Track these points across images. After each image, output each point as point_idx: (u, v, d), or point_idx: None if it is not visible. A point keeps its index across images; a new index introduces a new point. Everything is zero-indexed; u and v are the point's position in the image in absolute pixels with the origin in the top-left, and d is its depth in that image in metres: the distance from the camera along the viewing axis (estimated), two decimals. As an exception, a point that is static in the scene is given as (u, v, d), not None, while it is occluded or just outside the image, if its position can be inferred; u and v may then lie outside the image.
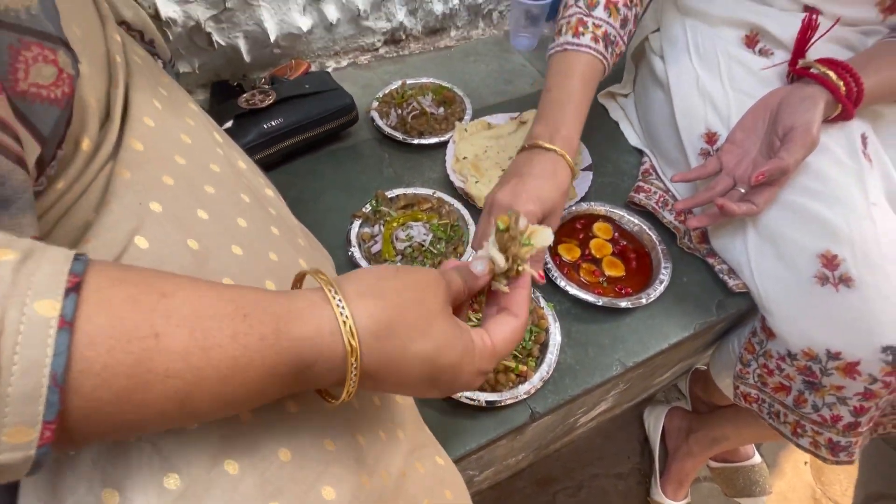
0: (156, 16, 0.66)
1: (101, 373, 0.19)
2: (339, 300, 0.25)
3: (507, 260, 0.34)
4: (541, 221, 0.47)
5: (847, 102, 0.53)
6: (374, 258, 0.61)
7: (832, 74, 0.53)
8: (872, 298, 0.52)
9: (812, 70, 0.55)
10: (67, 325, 0.18)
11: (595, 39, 0.54)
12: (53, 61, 0.26)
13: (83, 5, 0.35)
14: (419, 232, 0.61)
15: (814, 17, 0.56)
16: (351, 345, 0.25)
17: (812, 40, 0.57)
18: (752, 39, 0.63)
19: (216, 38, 0.73)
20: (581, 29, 0.54)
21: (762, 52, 0.63)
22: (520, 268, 0.34)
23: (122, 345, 0.19)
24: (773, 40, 0.62)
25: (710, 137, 0.64)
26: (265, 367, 0.23)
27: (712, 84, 0.64)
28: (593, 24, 0.54)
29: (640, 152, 0.78)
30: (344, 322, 0.24)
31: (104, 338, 0.19)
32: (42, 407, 0.17)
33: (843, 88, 0.53)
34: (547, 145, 0.49)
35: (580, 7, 0.55)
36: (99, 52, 0.34)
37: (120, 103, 0.34)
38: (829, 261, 0.54)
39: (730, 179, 0.59)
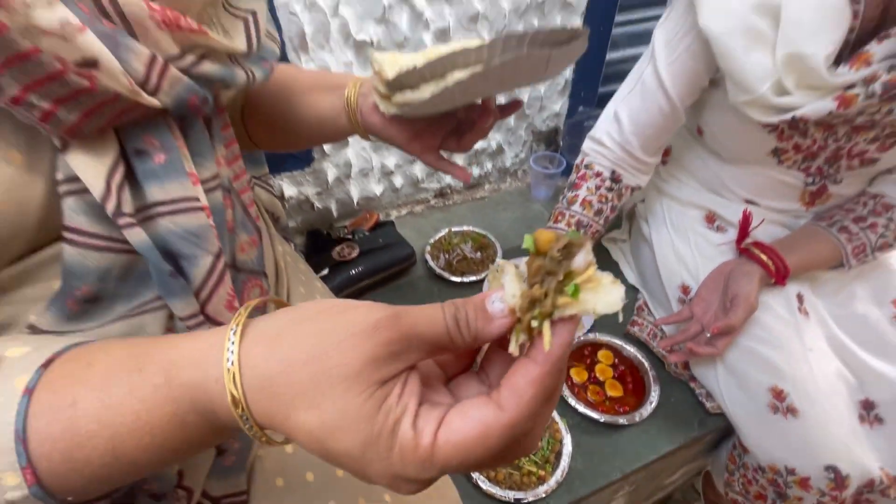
0: (280, 196, 0.94)
1: (47, 439, 0.22)
2: (232, 343, 0.23)
3: (525, 302, 0.22)
4: None
5: (776, 276, 0.73)
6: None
7: (763, 256, 0.74)
8: (813, 426, 0.68)
9: (751, 251, 0.75)
10: (27, 392, 0.22)
11: (569, 224, 0.79)
12: (259, 285, 0.45)
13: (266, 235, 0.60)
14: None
15: (749, 212, 0.77)
16: (232, 394, 0.22)
17: (752, 227, 0.78)
18: (711, 219, 0.85)
19: (317, 204, 1.01)
20: (560, 218, 0.81)
21: (719, 229, 0.84)
22: (536, 324, 0.21)
23: (53, 414, 0.22)
24: (725, 221, 0.83)
25: (685, 289, 0.84)
26: (167, 416, 0.23)
27: (684, 249, 0.85)
28: (569, 215, 0.80)
29: (636, 289, 0.98)
30: (228, 369, 0.22)
31: (44, 409, 0.22)
32: (14, 457, 0.21)
33: (773, 267, 0.73)
34: None
35: (562, 203, 0.82)
36: (272, 263, 0.58)
37: (285, 295, 0.57)
38: (778, 394, 0.71)
39: (699, 325, 0.78)
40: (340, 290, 0.91)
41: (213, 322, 0.35)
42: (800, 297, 0.76)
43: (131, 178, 0.33)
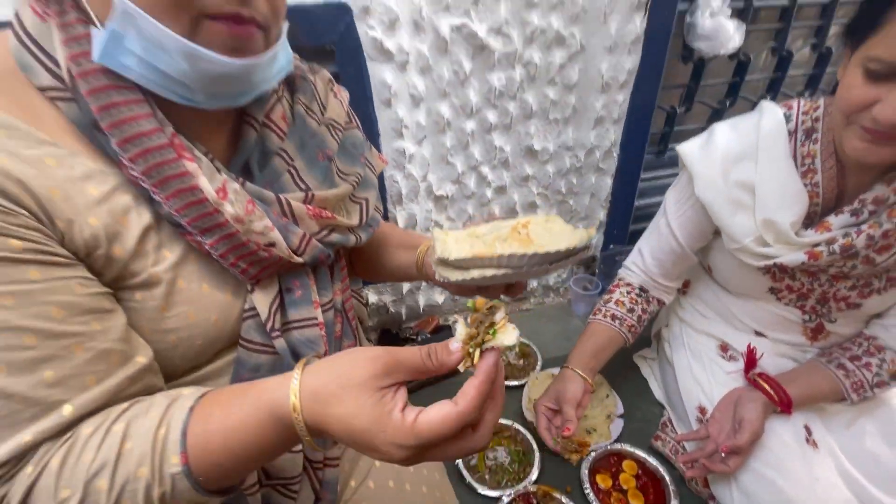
0: (365, 303, 1.20)
1: (194, 435, 0.38)
2: (297, 374, 0.37)
3: (468, 338, 0.37)
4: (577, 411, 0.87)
5: (780, 405, 0.84)
6: (470, 468, 0.94)
7: (766, 386, 0.85)
8: (825, 556, 0.74)
9: (756, 381, 0.87)
10: (190, 409, 0.39)
11: (604, 316, 0.97)
12: None
13: None
14: (501, 454, 0.96)
15: (753, 347, 0.91)
16: (293, 402, 0.36)
17: (758, 358, 0.91)
18: (724, 348, 0.98)
19: (391, 309, 1.25)
20: (597, 312, 1.00)
21: (731, 358, 0.97)
22: (473, 350, 0.37)
23: (199, 421, 0.38)
24: (736, 351, 0.96)
25: (702, 410, 0.95)
26: (257, 418, 0.37)
27: (701, 373, 0.98)
28: (605, 309, 0.99)
29: (662, 405, 1.09)
30: (292, 388, 0.36)
31: (196, 418, 0.38)
32: (179, 445, 0.37)
33: (776, 396, 0.84)
34: (573, 368, 0.92)
35: (600, 302, 1.02)
36: None
37: None
38: (788, 521, 0.78)
39: (714, 444, 0.88)
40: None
41: None
42: (808, 429, 0.85)
43: (282, 307, 0.54)
